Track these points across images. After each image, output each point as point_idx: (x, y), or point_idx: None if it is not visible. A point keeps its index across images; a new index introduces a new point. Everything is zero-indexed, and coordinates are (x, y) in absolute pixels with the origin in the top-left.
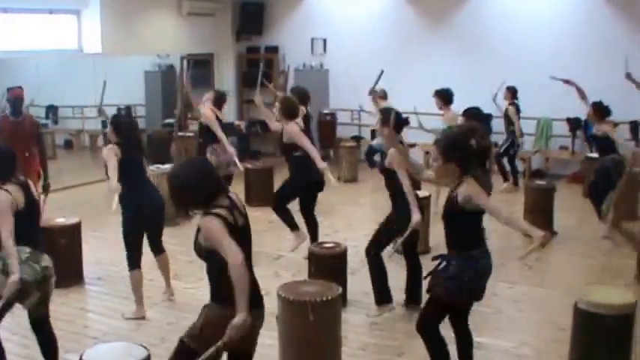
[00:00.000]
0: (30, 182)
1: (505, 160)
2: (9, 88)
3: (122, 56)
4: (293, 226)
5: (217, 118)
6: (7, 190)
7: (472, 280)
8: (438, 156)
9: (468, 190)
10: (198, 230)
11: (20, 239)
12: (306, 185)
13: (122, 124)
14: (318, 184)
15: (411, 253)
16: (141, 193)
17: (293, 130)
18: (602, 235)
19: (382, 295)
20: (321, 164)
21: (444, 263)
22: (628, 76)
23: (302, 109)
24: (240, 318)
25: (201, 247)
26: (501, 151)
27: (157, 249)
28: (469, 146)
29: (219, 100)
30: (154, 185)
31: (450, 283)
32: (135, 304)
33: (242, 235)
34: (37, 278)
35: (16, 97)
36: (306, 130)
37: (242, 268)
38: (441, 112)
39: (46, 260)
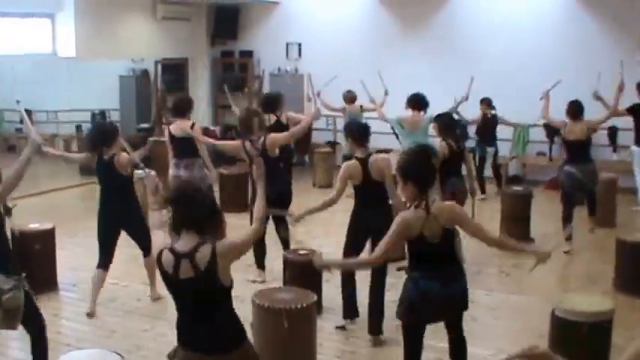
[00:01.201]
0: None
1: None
2: None
3: (96, 60)
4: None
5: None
6: None
7: (413, 300)
8: (399, 179)
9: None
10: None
11: None
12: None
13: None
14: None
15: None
16: None
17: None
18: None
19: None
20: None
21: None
22: (595, 94)
23: (269, 117)
24: None
25: None
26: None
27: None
28: (426, 167)
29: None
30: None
31: (399, 303)
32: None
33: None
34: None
35: None
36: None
37: None
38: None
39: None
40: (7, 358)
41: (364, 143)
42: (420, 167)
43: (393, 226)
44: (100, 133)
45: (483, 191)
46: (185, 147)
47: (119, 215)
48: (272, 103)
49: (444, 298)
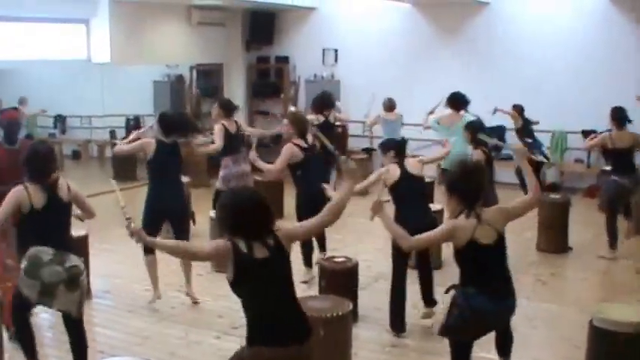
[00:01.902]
0: (61, 184)
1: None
2: (2, 110)
3: (131, 66)
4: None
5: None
6: (26, 187)
7: (466, 318)
8: (445, 191)
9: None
10: None
11: (44, 239)
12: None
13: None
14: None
15: (425, 266)
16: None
17: (283, 151)
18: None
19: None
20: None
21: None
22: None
23: (316, 117)
24: None
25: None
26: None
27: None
28: (470, 182)
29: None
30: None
31: (448, 320)
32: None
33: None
34: (63, 278)
35: (9, 121)
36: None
37: None
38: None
39: (73, 260)
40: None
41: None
42: (465, 182)
43: (442, 226)
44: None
45: None
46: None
47: None
48: (322, 103)
49: (495, 316)
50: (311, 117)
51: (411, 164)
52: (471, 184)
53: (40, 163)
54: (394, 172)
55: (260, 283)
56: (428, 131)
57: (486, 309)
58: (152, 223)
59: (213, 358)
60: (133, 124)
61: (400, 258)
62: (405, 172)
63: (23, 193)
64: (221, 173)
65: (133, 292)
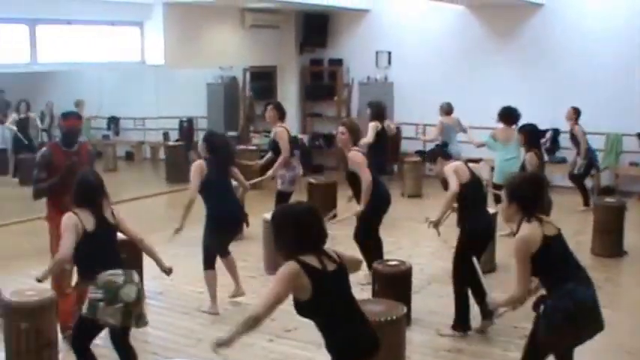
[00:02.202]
0: (105, 206)
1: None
2: (64, 113)
3: (184, 68)
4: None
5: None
6: (75, 213)
7: (565, 319)
8: (505, 197)
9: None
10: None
11: (103, 260)
12: (378, 209)
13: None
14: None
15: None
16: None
17: (357, 160)
18: None
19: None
20: (362, 205)
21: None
22: None
23: (377, 125)
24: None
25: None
26: (577, 172)
27: (225, 252)
28: (532, 194)
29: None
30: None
31: (542, 321)
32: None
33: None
34: (138, 295)
35: (70, 129)
36: (383, 146)
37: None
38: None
39: (135, 276)
40: None
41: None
42: (526, 191)
43: (519, 254)
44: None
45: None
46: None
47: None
48: (382, 111)
49: (591, 312)
50: (372, 124)
51: (475, 167)
52: (532, 194)
53: (91, 191)
54: (464, 172)
55: (337, 296)
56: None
57: (587, 299)
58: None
59: None
60: (186, 126)
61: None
62: (472, 174)
63: (75, 219)
64: (287, 175)
65: (185, 294)
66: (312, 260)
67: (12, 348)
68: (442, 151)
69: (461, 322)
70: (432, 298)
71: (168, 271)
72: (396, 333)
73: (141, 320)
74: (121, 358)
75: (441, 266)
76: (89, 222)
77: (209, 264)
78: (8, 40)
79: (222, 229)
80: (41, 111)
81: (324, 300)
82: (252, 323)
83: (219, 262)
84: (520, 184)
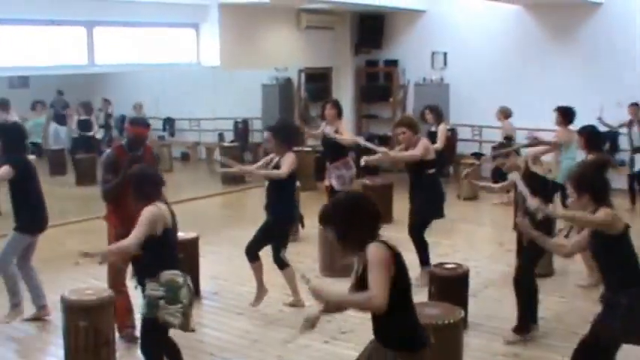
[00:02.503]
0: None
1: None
2: (132, 119)
3: (240, 69)
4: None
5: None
6: (158, 207)
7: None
8: (572, 191)
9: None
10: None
11: (172, 259)
12: (437, 207)
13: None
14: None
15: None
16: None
17: (428, 146)
18: None
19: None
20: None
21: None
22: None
23: (444, 128)
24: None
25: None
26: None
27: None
28: (600, 179)
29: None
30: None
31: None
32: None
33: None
34: (191, 296)
35: (136, 137)
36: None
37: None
38: (557, 127)
39: (189, 279)
40: None
41: None
42: (594, 179)
43: (601, 216)
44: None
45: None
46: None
47: None
48: (442, 114)
49: None
50: (442, 128)
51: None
52: (600, 180)
53: (158, 183)
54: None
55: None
56: None
57: None
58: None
59: None
60: (242, 127)
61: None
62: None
63: (162, 212)
64: (346, 175)
65: (241, 294)
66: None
67: (70, 346)
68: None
69: (524, 325)
70: (489, 302)
71: None
72: (453, 337)
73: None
74: (166, 354)
75: (498, 269)
76: (168, 216)
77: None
78: (67, 42)
79: (285, 231)
80: (98, 108)
81: (402, 280)
82: (365, 303)
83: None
84: (585, 174)
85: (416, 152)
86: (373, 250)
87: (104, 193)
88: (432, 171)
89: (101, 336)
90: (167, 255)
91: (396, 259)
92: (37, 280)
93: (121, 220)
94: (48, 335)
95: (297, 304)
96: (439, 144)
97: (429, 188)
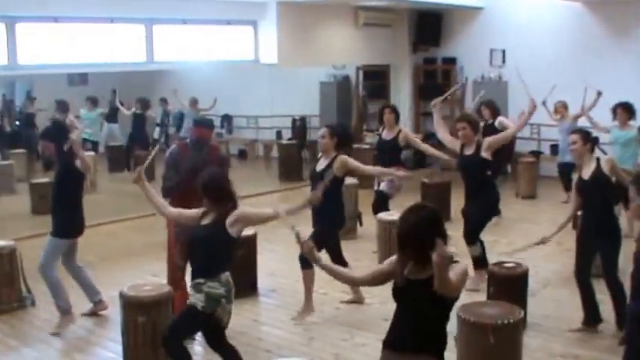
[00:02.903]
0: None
1: None
2: (196, 120)
3: (297, 67)
4: (482, 263)
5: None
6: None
7: None
8: (635, 195)
9: None
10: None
11: (228, 262)
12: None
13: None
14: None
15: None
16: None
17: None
18: None
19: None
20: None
21: None
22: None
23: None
24: None
25: None
26: None
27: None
28: None
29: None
30: None
31: None
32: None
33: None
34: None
35: (198, 140)
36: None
37: None
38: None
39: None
40: None
41: None
42: None
43: None
44: None
45: None
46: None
47: None
48: (498, 108)
49: None
50: (505, 120)
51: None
52: None
53: (220, 189)
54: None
55: None
56: None
57: None
58: None
59: None
60: (299, 124)
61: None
62: None
63: (199, 214)
64: (397, 179)
65: (298, 292)
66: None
67: (128, 342)
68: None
69: (592, 318)
70: (548, 302)
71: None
72: (513, 337)
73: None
74: (225, 358)
75: (556, 269)
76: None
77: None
78: (126, 40)
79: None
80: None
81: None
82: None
83: None
84: None
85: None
86: (461, 267)
87: (165, 190)
88: (489, 172)
89: (160, 332)
90: (224, 257)
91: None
92: (87, 277)
93: None
94: (105, 331)
95: (357, 300)
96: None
97: (487, 191)
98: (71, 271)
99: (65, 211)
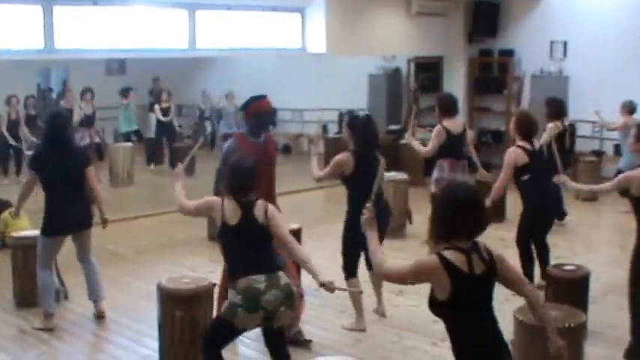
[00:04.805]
0: (259, 205)
1: None
2: (253, 97)
3: (346, 57)
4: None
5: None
6: (222, 200)
7: None
8: None
9: None
10: None
11: (246, 261)
12: (538, 213)
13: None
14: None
15: None
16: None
17: (508, 154)
18: None
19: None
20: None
21: None
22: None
23: (557, 125)
24: None
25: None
26: None
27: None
28: None
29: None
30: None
31: None
32: (355, 315)
33: (476, 284)
34: (282, 300)
35: (259, 113)
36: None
37: None
38: None
39: (283, 278)
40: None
41: None
42: None
43: None
44: None
45: None
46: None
47: None
48: (561, 109)
49: None
50: (552, 125)
51: None
52: None
53: (239, 178)
54: None
55: (477, 302)
56: None
57: None
58: None
59: None
60: (347, 118)
61: None
62: None
63: (218, 204)
64: (435, 175)
65: (345, 292)
66: (458, 259)
67: (166, 336)
68: None
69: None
70: (610, 309)
71: (327, 285)
72: (574, 342)
73: (284, 322)
74: (275, 354)
75: (620, 275)
76: (233, 214)
77: (349, 272)
78: (168, 26)
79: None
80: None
81: (462, 304)
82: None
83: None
84: None
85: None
86: (423, 258)
87: (216, 190)
88: (525, 177)
89: (198, 327)
90: (239, 257)
91: (454, 281)
92: (93, 275)
93: None
94: (141, 326)
95: (357, 328)
96: (543, 139)
97: (526, 196)
98: (82, 266)
99: (47, 207)
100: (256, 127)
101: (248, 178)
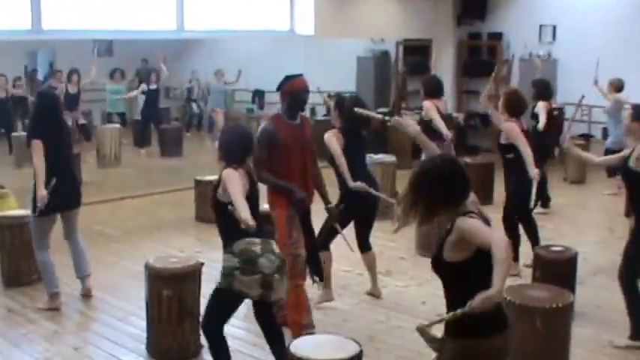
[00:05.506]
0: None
1: None
2: (287, 76)
3: (334, 39)
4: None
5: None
6: (236, 170)
7: None
8: None
9: None
10: (441, 245)
11: (246, 231)
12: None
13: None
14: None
15: None
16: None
17: (512, 129)
18: None
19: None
20: (532, 172)
21: None
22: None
23: (545, 105)
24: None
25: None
26: None
27: (365, 246)
28: None
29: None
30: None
31: None
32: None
33: None
34: (277, 265)
35: (295, 91)
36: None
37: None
38: None
39: (274, 245)
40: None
41: None
42: None
43: None
44: None
45: None
46: None
47: None
48: (547, 88)
49: None
50: (543, 104)
51: None
52: None
53: (244, 145)
54: None
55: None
56: None
57: None
58: None
59: (414, 346)
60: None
61: None
62: None
63: (241, 176)
64: (424, 157)
65: (335, 273)
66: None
67: (153, 315)
68: None
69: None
70: (598, 290)
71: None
72: (561, 323)
73: (280, 294)
74: (266, 337)
75: (608, 257)
76: (245, 183)
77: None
78: (156, 7)
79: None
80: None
81: (482, 262)
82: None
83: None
84: None
85: None
86: (468, 220)
87: (258, 176)
88: (510, 155)
89: (185, 307)
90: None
91: None
92: (80, 252)
93: (289, 200)
94: (129, 305)
95: (326, 299)
96: (541, 122)
97: (510, 174)
98: (69, 245)
99: (34, 187)
100: (292, 107)
101: (251, 144)
